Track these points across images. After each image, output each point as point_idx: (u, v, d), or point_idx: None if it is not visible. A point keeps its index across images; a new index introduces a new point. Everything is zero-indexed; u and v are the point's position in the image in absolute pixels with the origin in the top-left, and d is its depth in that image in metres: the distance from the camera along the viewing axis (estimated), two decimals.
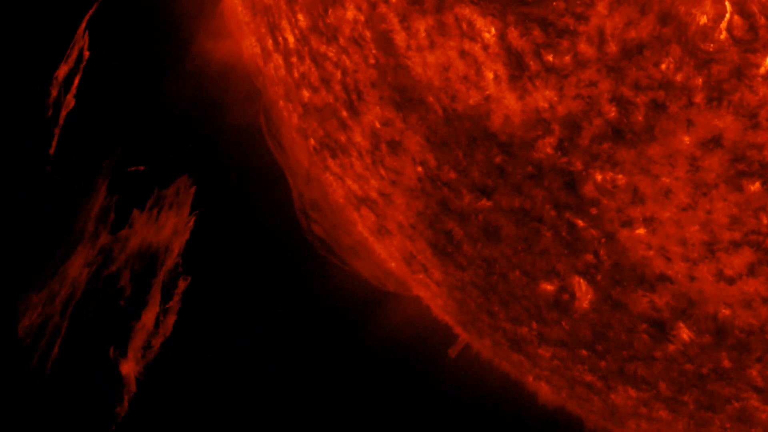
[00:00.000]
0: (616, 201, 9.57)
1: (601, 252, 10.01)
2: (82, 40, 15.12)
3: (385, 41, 10.11)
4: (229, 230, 14.23)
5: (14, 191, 15.61)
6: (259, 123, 13.67)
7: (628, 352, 10.72)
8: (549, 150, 9.64)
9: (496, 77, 9.50)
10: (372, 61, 10.42)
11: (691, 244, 9.51)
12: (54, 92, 15.29)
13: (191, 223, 14.13)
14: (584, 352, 11.15)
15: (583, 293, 10.52)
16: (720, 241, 9.36)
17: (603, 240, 9.92)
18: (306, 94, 11.96)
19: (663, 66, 8.64)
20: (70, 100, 15.19)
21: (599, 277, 10.24)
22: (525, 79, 9.33)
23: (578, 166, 9.57)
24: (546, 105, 9.35)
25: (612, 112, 9.07)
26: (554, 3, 8.76)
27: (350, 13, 10.36)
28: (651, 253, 9.74)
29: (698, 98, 8.67)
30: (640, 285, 10.04)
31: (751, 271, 9.42)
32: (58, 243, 15.08)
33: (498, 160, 10.03)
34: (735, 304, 9.69)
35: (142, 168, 14.41)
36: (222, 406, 14.32)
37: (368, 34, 10.26)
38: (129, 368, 14.55)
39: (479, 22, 9.36)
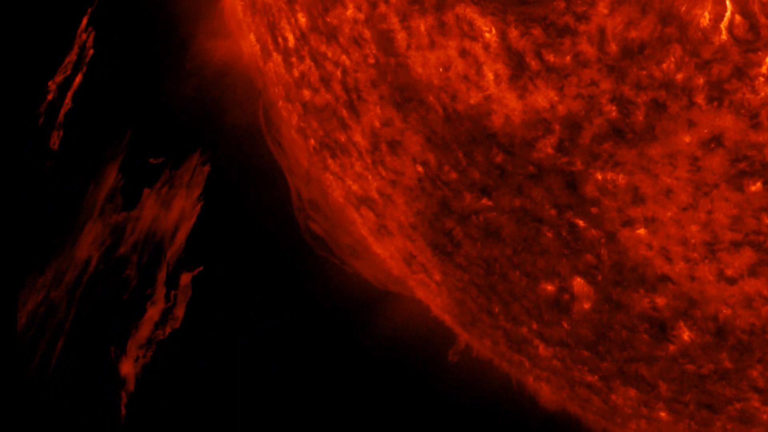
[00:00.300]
0: (617, 201, 9.56)
1: (602, 252, 10.00)
2: (82, 40, 15.12)
3: (385, 41, 10.10)
4: (229, 230, 14.22)
5: (14, 191, 15.60)
6: (259, 123, 13.65)
7: (629, 353, 10.71)
8: (549, 150, 9.63)
9: (497, 77, 9.49)
10: (372, 60, 10.40)
11: (692, 244, 9.49)
12: (54, 92, 15.28)
13: (198, 207, 14.11)
14: (585, 353, 11.13)
15: (584, 293, 10.51)
16: (721, 241, 9.35)
17: (603, 240, 9.90)
18: (306, 93, 11.95)
19: (664, 66, 8.63)
20: (69, 100, 15.19)
21: (600, 278, 10.23)
22: (525, 79, 9.31)
23: (579, 165, 9.56)
24: (546, 105, 9.34)
25: (613, 111, 9.06)
26: (555, 2, 8.75)
27: (350, 13, 10.35)
28: (652, 253, 9.73)
29: (699, 98, 8.66)
30: (640, 285, 10.03)
31: (752, 271, 9.41)
32: (63, 227, 15.08)
33: (498, 159, 10.01)
34: (736, 304, 9.67)
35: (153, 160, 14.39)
36: (222, 406, 14.31)
37: (368, 33, 10.25)
38: (128, 368, 14.54)
39: (480, 22, 9.35)
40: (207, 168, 14.12)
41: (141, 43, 14.74)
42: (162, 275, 14.31)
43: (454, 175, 10.54)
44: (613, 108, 9.03)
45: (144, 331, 14.46)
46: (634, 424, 11.99)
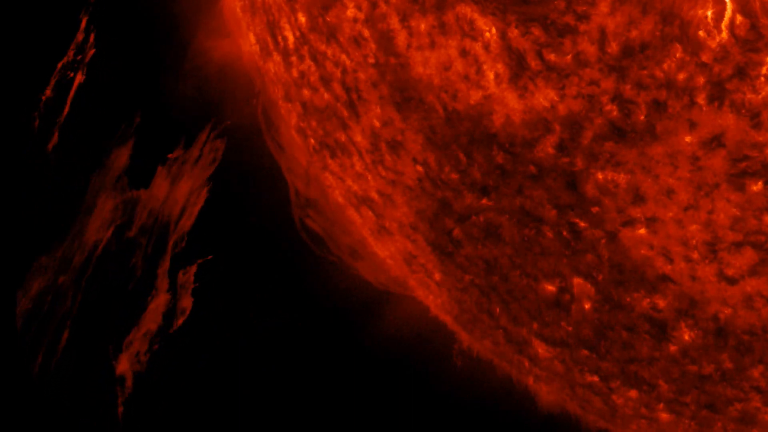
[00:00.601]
0: (618, 201, 9.54)
1: (603, 252, 9.98)
2: (81, 40, 15.11)
3: (385, 40, 10.08)
4: (228, 230, 14.21)
5: (14, 191, 15.60)
6: (259, 122, 13.64)
7: (630, 353, 10.69)
8: (550, 150, 9.61)
9: (497, 76, 9.47)
10: (372, 60, 10.39)
11: (692, 244, 9.48)
12: (53, 92, 15.27)
13: (205, 191, 14.09)
14: (585, 353, 11.11)
15: (585, 293, 10.49)
16: (722, 241, 9.33)
17: (604, 240, 9.89)
18: (306, 93, 11.93)
19: (665, 65, 8.61)
20: (69, 100, 15.18)
21: (600, 278, 10.21)
22: (526, 79, 9.30)
23: (579, 165, 9.54)
24: (547, 104, 9.32)
25: (613, 111, 9.04)
26: (555, 2, 8.73)
27: (350, 12, 10.33)
28: (652, 253, 9.71)
29: (700, 98, 8.64)
30: (641, 285, 10.01)
31: (753, 271, 9.39)
32: (63, 227, 15.06)
33: (499, 159, 10.00)
34: (737, 304, 9.66)
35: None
36: (222, 406, 14.29)
37: (368, 32, 10.23)
38: (126, 367, 14.52)
39: (480, 22, 9.34)
40: (218, 151, 14.08)
41: (141, 42, 14.73)
42: (164, 269, 14.30)
43: (454, 175, 10.53)
44: (614, 108, 9.02)
45: (144, 329, 14.45)
46: (634, 425, 11.97)
